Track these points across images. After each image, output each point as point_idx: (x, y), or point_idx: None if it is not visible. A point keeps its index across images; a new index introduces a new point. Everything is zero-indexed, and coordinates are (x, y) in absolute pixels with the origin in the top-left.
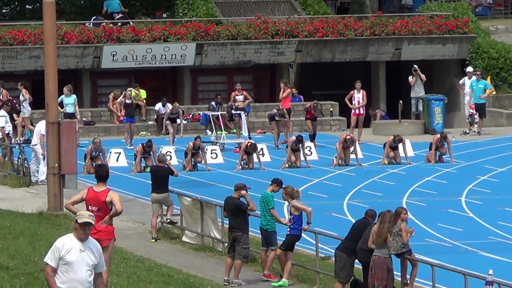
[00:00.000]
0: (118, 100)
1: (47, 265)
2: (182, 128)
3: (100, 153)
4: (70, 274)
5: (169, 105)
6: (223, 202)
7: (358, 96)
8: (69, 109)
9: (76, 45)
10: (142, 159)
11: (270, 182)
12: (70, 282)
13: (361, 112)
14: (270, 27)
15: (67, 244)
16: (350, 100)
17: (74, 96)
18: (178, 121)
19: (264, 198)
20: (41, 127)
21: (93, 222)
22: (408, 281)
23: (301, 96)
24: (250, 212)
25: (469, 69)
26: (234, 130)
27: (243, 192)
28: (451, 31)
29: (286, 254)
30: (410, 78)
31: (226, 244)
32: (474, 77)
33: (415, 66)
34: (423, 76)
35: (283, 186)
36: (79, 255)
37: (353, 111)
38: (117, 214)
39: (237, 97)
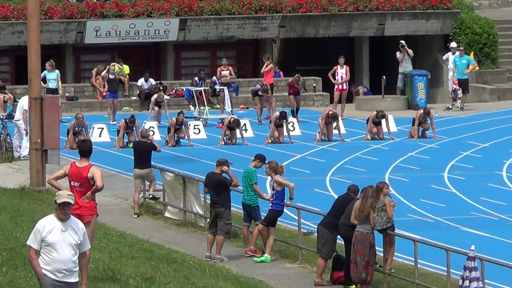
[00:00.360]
0: (102, 74)
1: (29, 247)
2: (167, 110)
3: (83, 129)
4: (53, 254)
5: (152, 80)
6: (205, 178)
7: (342, 72)
8: (51, 85)
9: (59, 20)
10: (125, 134)
11: (253, 158)
12: (53, 263)
13: (344, 87)
14: (253, 2)
15: (48, 225)
16: (334, 76)
17: (57, 71)
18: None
19: (247, 174)
20: (24, 102)
21: (72, 202)
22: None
23: (281, 72)
24: (233, 188)
25: (453, 44)
26: (218, 106)
27: (226, 168)
28: (435, 6)
29: (268, 230)
30: (397, 54)
31: (208, 219)
32: (457, 53)
33: (402, 41)
34: (410, 51)
35: (267, 161)
36: (60, 235)
37: (336, 86)
38: (98, 190)
39: (223, 72)
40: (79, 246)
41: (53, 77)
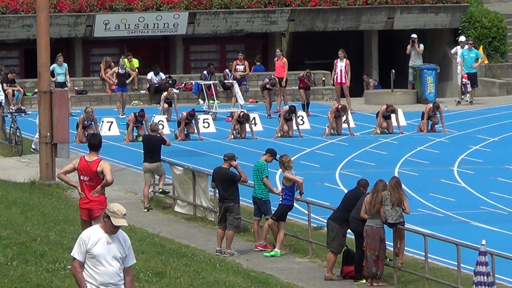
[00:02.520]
0: (115, 69)
1: (74, 259)
2: (176, 105)
3: (92, 122)
4: (99, 267)
5: (162, 75)
6: (212, 173)
7: (341, 65)
8: (60, 78)
9: (68, 14)
10: (134, 128)
11: (264, 152)
12: (99, 277)
13: (344, 81)
14: None
15: (93, 236)
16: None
17: (65, 65)
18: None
19: (258, 167)
20: None
21: (126, 224)
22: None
23: (263, 66)
24: (242, 183)
25: (462, 38)
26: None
27: (235, 162)
28: (444, 0)
29: (278, 224)
30: (408, 47)
31: (218, 214)
32: (466, 46)
33: (414, 35)
34: (420, 49)
35: (278, 156)
36: (106, 248)
37: (335, 80)
38: (108, 184)
39: (237, 67)
40: (124, 259)
41: (61, 71)
